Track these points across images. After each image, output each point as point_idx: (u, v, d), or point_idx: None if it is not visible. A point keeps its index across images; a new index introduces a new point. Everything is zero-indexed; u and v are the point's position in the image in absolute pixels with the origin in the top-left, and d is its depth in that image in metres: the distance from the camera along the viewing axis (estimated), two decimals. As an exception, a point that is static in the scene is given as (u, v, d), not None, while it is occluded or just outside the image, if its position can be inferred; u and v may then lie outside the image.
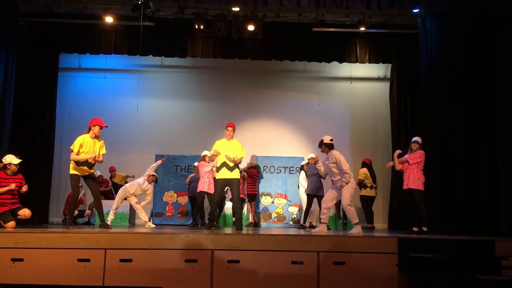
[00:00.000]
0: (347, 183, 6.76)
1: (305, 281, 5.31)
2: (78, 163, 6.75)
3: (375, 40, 10.21)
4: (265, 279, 5.29)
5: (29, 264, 5.19)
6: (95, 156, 6.71)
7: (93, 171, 6.95)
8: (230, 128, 7.53)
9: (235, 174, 7.38)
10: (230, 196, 9.65)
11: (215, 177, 9.40)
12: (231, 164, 7.30)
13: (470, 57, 8.44)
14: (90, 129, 6.87)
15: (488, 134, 8.12)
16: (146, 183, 8.60)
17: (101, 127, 6.88)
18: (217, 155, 7.35)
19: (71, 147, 6.79)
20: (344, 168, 6.75)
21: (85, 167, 6.79)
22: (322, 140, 7.12)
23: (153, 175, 8.73)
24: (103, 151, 6.93)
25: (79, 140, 6.77)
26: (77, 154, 6.72)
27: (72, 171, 6.80)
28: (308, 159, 9.17)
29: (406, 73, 10.08)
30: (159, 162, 8.87)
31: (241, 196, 9.64)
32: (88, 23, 9.78)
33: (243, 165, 9.31)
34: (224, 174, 7.32)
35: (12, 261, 5.18)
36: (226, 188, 9.67)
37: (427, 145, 7.54)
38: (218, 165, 7.37)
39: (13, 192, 6.87)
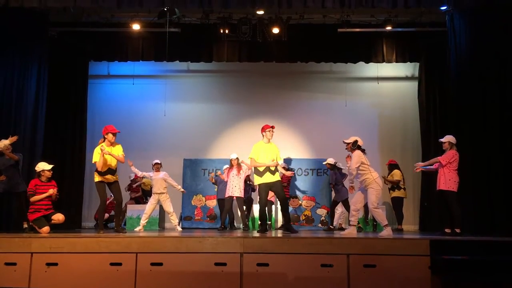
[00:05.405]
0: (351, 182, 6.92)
1: (335, 284, 5.27)
2: (101, 173, 6.92)
3: (402, 39, 10.03)
4: (295, 283, 5.27)
5: (63, 269, 5.31)
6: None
7: (116, 177, 7.15)
8: (273, 130, 7.35)
9: (277, 177, 7.26)
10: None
11: (248, 182, 9.37)
12: (273, 168, 7.22)
13: (501, 53, 8.19)
14: (104, 138, 7.01)
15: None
16: (156, 173, 8.69)
17: (114, 134, 7.00)
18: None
19: (93, 161, 6.97)
20: (350, 166, 6.81)
21: (109, 175, 7.00)
22: (356, 141, 6.88)
23: (156, 163, 8.83)
24: (122, 152, 7.10)
25: (98, 150, 6.91)
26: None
27: (97, 180, 7.01)
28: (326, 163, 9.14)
29: (435, 71, 9.89)
30: (130, 163, 8.47)
31: (270, 199, 9.63)
32: (116, 31, 9.96)
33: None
34: (267, 178, 7.21)
35: (47, 266, 5.32)
36: (251, 190, 9.74)
37: (458, 145, 7.35)
38: (261, 169, 7.23)
39: (47, 198, 7.05)
